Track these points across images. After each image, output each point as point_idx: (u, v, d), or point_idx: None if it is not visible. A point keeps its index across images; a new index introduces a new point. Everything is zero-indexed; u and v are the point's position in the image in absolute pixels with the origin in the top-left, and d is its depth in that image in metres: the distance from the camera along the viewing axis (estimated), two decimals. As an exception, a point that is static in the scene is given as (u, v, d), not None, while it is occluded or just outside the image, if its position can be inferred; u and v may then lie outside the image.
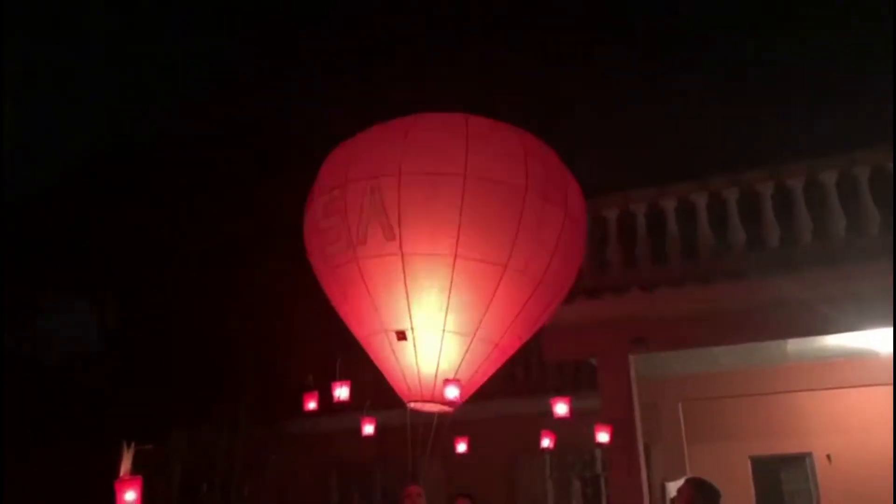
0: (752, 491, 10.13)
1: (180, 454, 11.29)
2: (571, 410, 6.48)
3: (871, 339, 8.22)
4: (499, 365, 5.96)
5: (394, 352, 5.67)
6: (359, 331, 5.96)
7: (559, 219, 5.50)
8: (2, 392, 10.77)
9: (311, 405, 6.40)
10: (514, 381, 11.44)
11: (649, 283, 7.84)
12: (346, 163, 5.76)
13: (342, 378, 6.58)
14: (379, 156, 5.51)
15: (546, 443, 7.03)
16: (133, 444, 3.97)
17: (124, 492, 3.78)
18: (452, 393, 5.62)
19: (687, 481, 5.11)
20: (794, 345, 8.55)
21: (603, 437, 6.97)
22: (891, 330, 7.75)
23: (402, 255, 5.32)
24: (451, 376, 5.55)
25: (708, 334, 7.82)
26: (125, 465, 3.88)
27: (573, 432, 11.22)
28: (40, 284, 11.83)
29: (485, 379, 5.96)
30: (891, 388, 9.19)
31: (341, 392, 6.39)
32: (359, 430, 12.09)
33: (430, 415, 5.89)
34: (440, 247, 5.26)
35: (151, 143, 12.44)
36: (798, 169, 7.86)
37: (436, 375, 5.59)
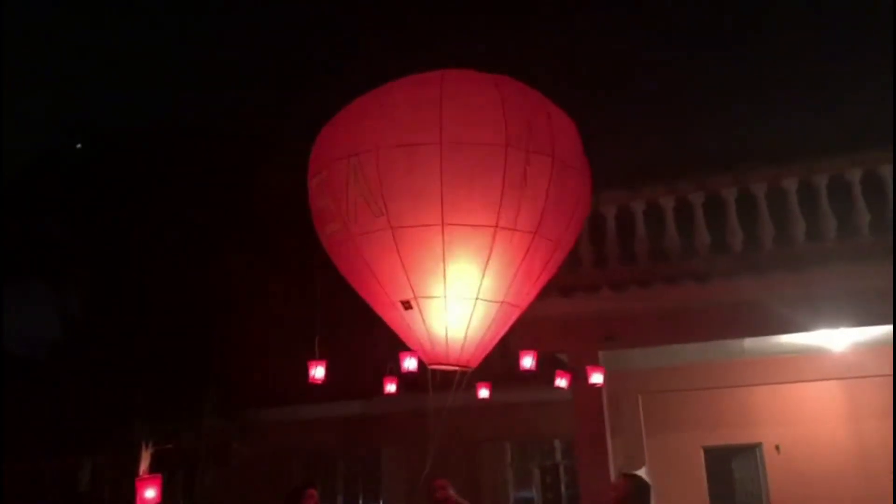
0: (705, 479, 10.55)
1: (143, 443, 11.26)
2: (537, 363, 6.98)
3: (824, 337, 8.69)
4: (511, 320, 5.94)
5: (405, 320, 5.74)
6: (372, 302, 6.01)
7: (546, 168, 5.42)
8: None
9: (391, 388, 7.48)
10: (478, 372, 11.68)
11: (619, 282, 8.15)
12: (329, 142, 5.78)
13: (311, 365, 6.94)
14: (357, 131, 5.52)
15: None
16: (151, 444, 4.05)
17: (144, 489, 3.86)
18: (411, 364, 5.90)
19: (622, 476, 5.38)
20: (751, 341, 8.95)
21: (561, 382, 7.39)
22: (841, 330, 8.28)
23: (392, 230, 5.35)
24: (461, 339, 5.65)
25: (674, 332, 8.17)
26: (144, 464, 3.96)
27: (534, 423, 11.65)
28: (3, 275, 11.61)
29: (499, 335, 5.99)
30: (839, 382, 9.77)
31: (317, 371, 6.83)
32: (322, 419, 12.32)
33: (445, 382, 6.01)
34: (426, 218, 5.28)
35: (119, 133, 12.26)
36: (761, 175, 8.25)
37: (446, 339, 5.66)
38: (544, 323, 8.10)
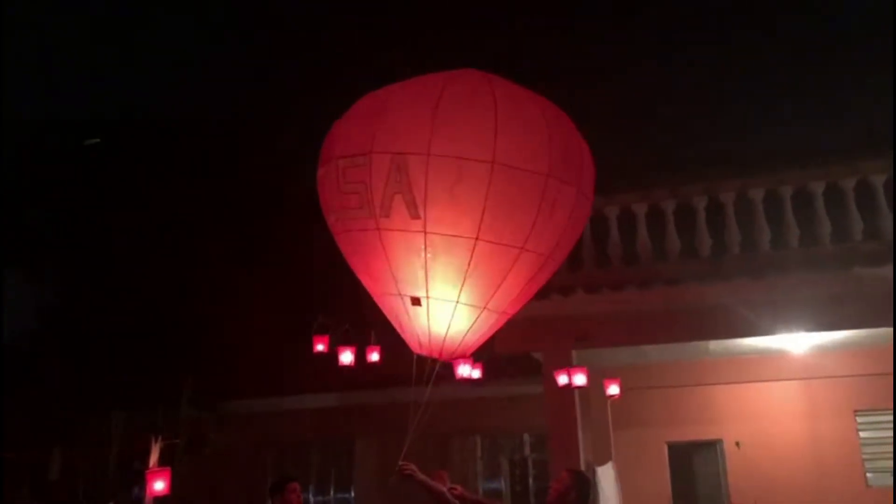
0: (668, 473, 10.98)
1: (118, 434, 11.39)
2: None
3: (784, 340, 9.11)
4: (501, 325, 6.26)
5: (406, 312, 5.85)
6: (372, 288, 6.09)
7: (572, 198, 5.64)
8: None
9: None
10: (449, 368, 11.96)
11: (593, 285, 8.47)
12: (372, 124, 5.65)
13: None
14: (407, 129, 5.50)
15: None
16: (161, 438, 4.25)
17: (154, 481, 4.08)
18: (465, 371, 6.18)
19: (566, 471, 5.62)
20: (715, 343, 9.38)
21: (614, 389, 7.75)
22: (800, 334, 8.71)
23: (426, 234, 5.44)
24: (458, 340, 5.87)
25: (644, 333, 8.53)
26: (153, 457, 4.17)
27: (504, 417, 11.96)
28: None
29: (488, 337, 6.27)
30: (797, 383, 10.25)
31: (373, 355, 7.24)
32: (296, 411, 12.50)
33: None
34: (463, 230, 5.41)
35: (99, 121, 12.30)
36: (730, 185, 8.63)
37: (444, 338, 5.84)
38: (520, 323, 8.37)
